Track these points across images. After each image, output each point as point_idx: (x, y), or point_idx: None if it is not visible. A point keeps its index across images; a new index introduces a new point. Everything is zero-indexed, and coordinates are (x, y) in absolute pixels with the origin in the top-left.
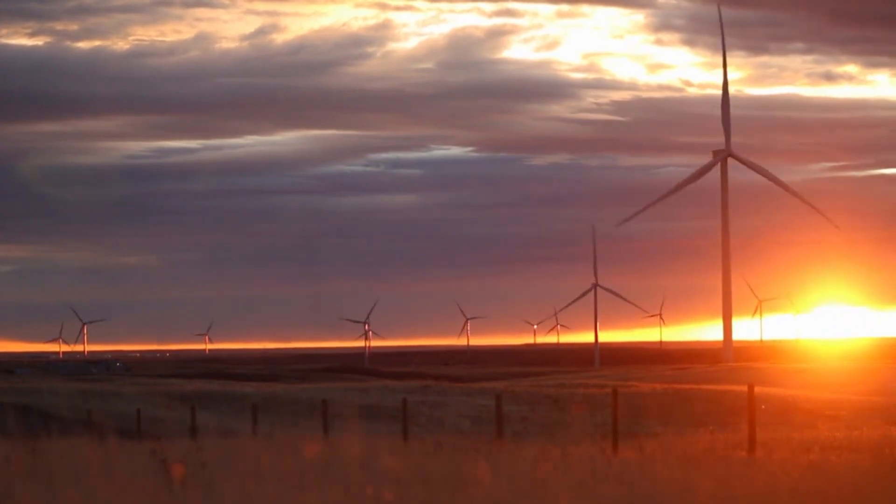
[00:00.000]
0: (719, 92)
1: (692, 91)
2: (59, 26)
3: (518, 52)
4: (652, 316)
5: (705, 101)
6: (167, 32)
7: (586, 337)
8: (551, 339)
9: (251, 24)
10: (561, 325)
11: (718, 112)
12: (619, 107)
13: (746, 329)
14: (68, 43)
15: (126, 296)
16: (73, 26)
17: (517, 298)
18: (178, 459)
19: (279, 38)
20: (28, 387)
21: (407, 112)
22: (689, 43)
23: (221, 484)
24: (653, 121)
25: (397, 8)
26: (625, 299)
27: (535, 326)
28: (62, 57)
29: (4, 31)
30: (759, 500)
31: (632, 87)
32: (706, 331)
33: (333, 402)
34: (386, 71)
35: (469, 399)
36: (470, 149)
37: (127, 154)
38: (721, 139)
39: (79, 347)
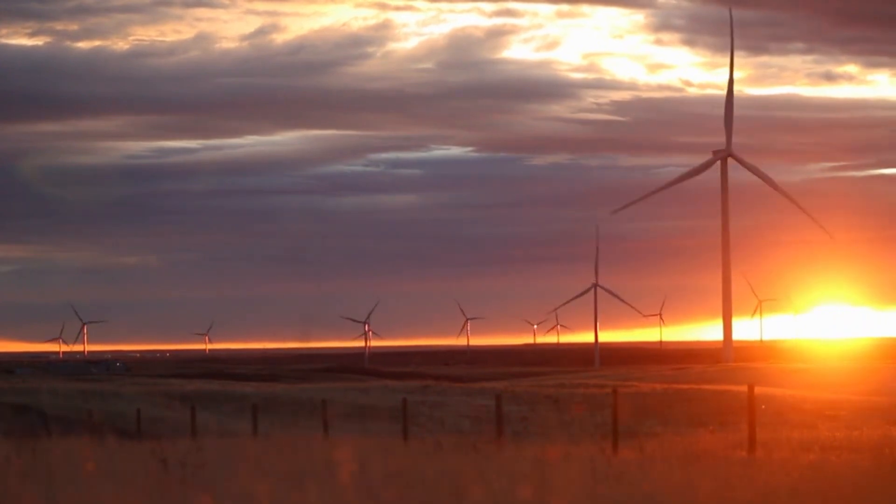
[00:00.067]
0: (719, 92)
1: (692, 91)
2: (59, 26)
3: (518, 52)
4: (652, 316)
5: (705, 101)
6: (167, 32)
7: (586, 337)
8: (551, 339)
9: (251, 24)
10: (561, 326)
11: (718, 112)
12: (619, 107)
13: (746, 329)
14: (68, 43)
15: (126, 296)
16: (73, 26)
17: (517, 298)
18: (178, 459)
19: (279, 38)
20: (28, 387)
21: (407, 112)
22: (689, 43)
23: (221, 484)
24: (653, 121)
25: (397, 8)
26: (623, 300)
27: (535, 326)
28: (62, 57)
29: (4, 31)
30: (759, 500)
31: (632, 87)
32: (706, 331)
33: (333, 402)
34: (386, 71)
35: (469, 399)
36: (470, 149)
37: (127, 154)
38: (721, 139)
39: (79, 347)
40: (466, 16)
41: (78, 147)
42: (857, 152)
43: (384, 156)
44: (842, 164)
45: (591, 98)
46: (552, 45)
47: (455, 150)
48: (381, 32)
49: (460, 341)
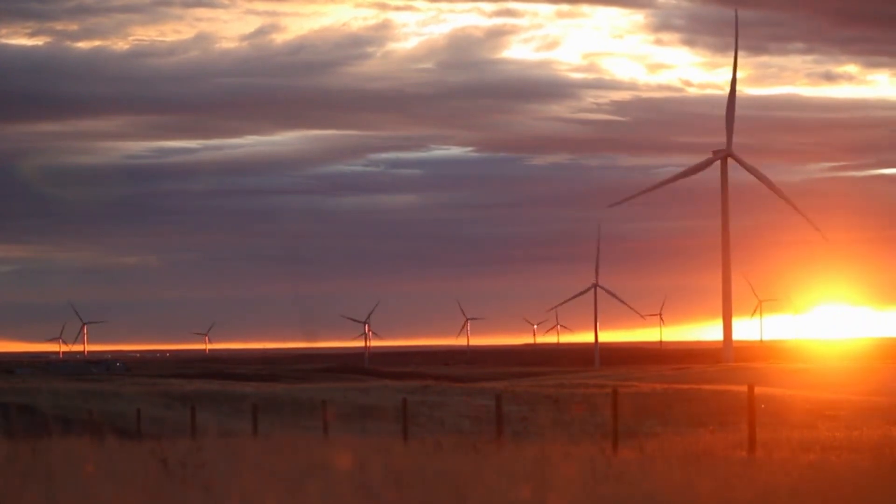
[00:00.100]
0: (719, 92)
1: (692, 91)
2: (59, 26)
3: (518, 52)
4: (652, 316)
5: (705, 101)
6: (167, 32)
7: (586, 337)
8: (551, 339)
9: (251, 24)
10: (561, 326)
11: (718, 112)
12: (618, 107)
13: (746, 329)
14: (68, 43)
15: (126, 296)
16: (73, 26)
17: (517, 298)
18: (178, 459)
19: (279, 38)
20: (28, 387)
21: (407, 112)
22: (689, 43)
23: (221, 484)
24: (653, 121)
25: (397, 8)
26: (622, 301)
27: (535, 326)
28: (62, 57)
29: (4, 31)
30: (759, 500)
31: (632, 87)
32: (706, 331)
33: (333, 402)
34: (386, 71)
35: (469, 399)
36: (470, 149)
37: (127, 154)
38: (721, 139)
39: (79, 347)
40: (466, 16)
41: (78, 147)
42: (857, 152)
43: (384, 156)
44: (842, 164)
45: (591, 98)
46: (552, 45)
47: (455, 150)
48: (381, 32)
49: (460, 341)
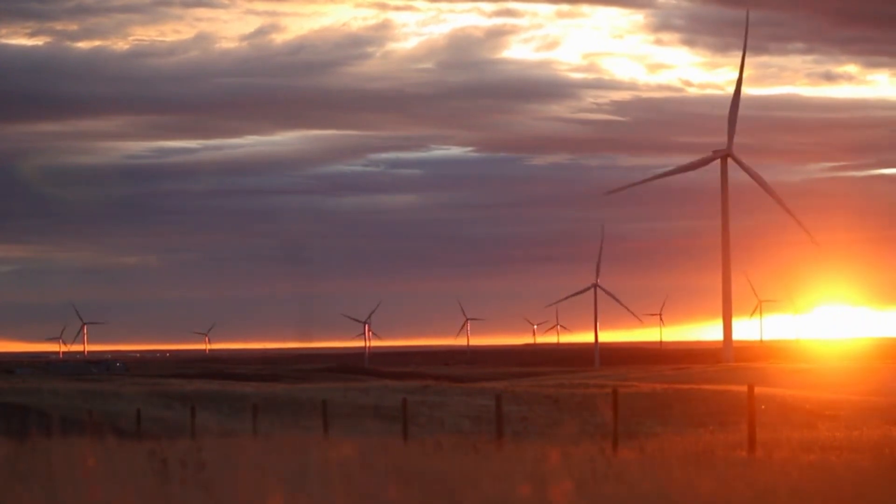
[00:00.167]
0: (719, 92)
1: (692, 91)
2: (59, 26)
3: (518, 52)
4: (652, 315)
5: (705, 101)
6: (167, 32)
7: (586, 337)
8: (551, 339)
9: (251, 24)
10: (561, 326)
11: (718, 112)
12: (618, 107)
13: (746, 329)
14: (68, 43)
15: (126, 296)
16: (73, 26)
17: (517, 298)
18: (178, 459)
19: (279, 38)
20: (28, 387)
21: (407, 112)
22: (689, 43)
23: (221, 484)
24: (653, 121)
25: (397, 8)
26: (621, 303)
27: (536, 326)
28: (62, 57)
29: (4, 31)
30: (759, 500)
31: (632, 87)
32: (706, 331)
33: (333, 402)
34: (386, 71)
35: (469, 399)
36: (470, 149)
37: (127, 154)
38: (721, 139)
39: (79, 347)
40: (466, 16)
41: (78, 147)
42: (857, 152)
43: (384, 156)
44: (842, 164)
45: (590, 98)
46: (552, 45)
47: (455, 150)
48: (380, 32)
49: (460, 341)
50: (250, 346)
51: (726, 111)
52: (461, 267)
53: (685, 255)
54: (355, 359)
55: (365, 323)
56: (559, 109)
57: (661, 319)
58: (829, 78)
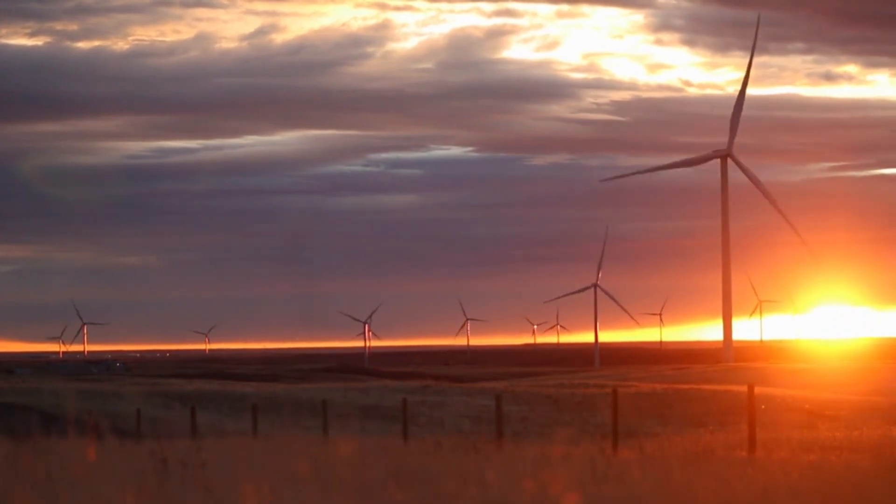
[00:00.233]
0: (719, 92)
1: (692, 91)
2: (59, 26)
3: (518, 52)
4: (652, 315)
5: (705, 101)
6: (167, 32)
7: (586, 337)
8: (551, 339)
9: (251, 24)
10: (561, 326)
11: (718, 112)
12: (618, 107)
13: (746, 329)
14: (68, 43)
15: (126, 296)
16: (73, 26)
17: (517, 298)
18: (178, 459)
19: (279, 38)
20: (28, 387)
21: (407, 112)
22: (689, 43)
23: (221, 484)
24: (652, 121)
25: (397, 8)
26: (619, 305)
27: (536, 326)
28: (62, 57)
29: (4, 31)
30: (759, 500)
31: (632, 87)
32: (706, 331)
33: (333, 402)
34: (386, 71)
35: (469, 399)
36: (470, 149)
37: (127, 154)
38: (721, 139)
39: (79, 347)
40: (466, 16)
41: (78, 147)
42: (857, 152)
43: (384, 156)
44: (842, 164)
45: (590, 98)
46: (552, 45)
47: (455, 150)
48: (380, 32)
49: (460, 341)
50: (250, 346)
51: (726, 111)
52: (461, 267)
53: (685, 255)
54: (355, 359)
55: (365, 323)
56: (559, 109)
57: (660, 319)
58: (829, 78)
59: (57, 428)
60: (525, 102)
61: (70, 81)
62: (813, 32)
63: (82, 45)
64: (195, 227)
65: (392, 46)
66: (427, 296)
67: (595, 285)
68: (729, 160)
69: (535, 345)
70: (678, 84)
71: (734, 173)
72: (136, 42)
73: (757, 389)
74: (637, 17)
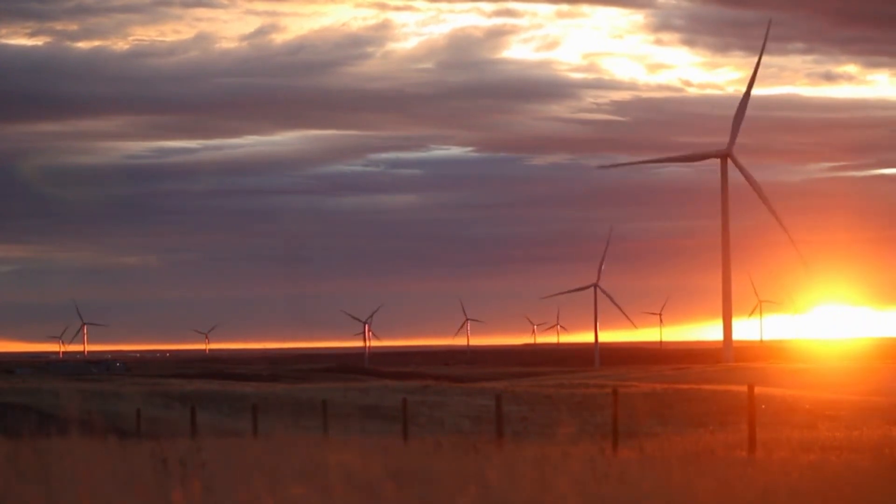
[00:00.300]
0: (719, 92)
1: (692, 91)
2: (59, 26)
3: (518, 52)
4: (652, 315)
5: (705, 101)
6: (167, 32)
7: (586, 337)
8: (551, 339)
9: (251, 24)
10: (560, 326)
11: (718, 112)
12: (618, 107)
13: (746, 329)
14: (68, 43)
15: (126, 296)
16: (73, 26)
17: (517, 298)
18: (178, 459)
19: (279, 38)
20: (28, 387)
21: (407, 112)
22: (689, 43)
23: (221, 484)
24: (652, 121)
25: (397, 8)
26: (618, 306)
27: (536, 326)
28: (62, 57)
29: (4, 31)
30: (759, 500)
31: (631, 87)
32: (706, 331)
33: (333, 402)
34: (386, 71)
35: (469, 399)
36: (470, 149)
37: (127, 154)
38: (721, 139)
39: (79, 347)
40: (466, 16)
41: (78, 147)
42: (857, 152)
43: (384, 156)
44: (842, 164)
45: (590, 98)
46: (552, 45)
47: (455, 150)
48: (380, 32)
49: (459, 341)
50: (250, 346)
51: (726, 111)
52: (461, 267)
53: (685, 255)
54: (355, 359)
55: (365, 323)
56: (559, 109)
57: (660, 320)
58: (829, 78)
59: (57, 428)
60: (525, 102)
61: (70, 81)
62: (813, 32)
63: (82, 45)
64: (195, 227)
65: (392, 46)
66: (427, 296)
67: (595, 285)
68: (728, 160)
69: (535, 345)
70: (678, 84)
71: (734, 173)
72: (136, 42)
73: (757, 389)
74: (637, 17)
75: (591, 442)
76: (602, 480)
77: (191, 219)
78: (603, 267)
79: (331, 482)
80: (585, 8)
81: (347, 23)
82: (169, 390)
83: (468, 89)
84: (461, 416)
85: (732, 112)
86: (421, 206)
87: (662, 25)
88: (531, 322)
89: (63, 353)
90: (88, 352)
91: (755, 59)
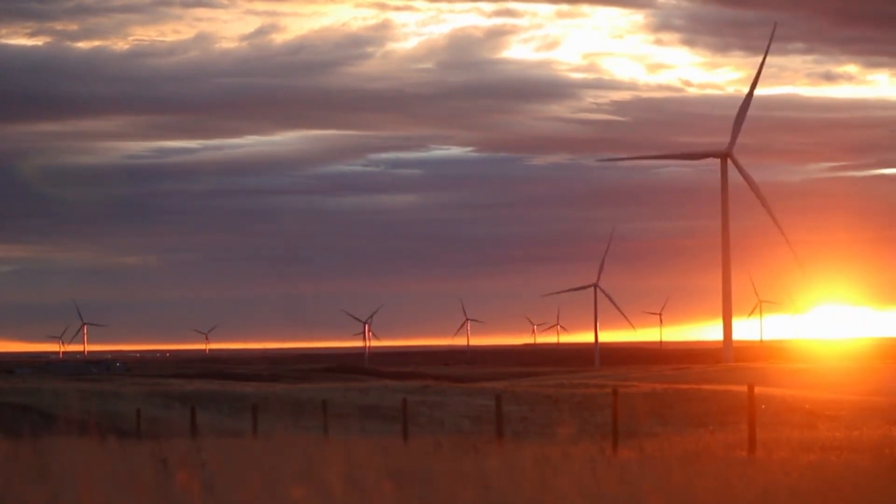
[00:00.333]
0: (719, 92)
1: (692, 91)
2: (59, 26)
3: (518, 52)
4: (652, 315)
5: (705, 101)
6: (167, 32)
7: (586, 337)
8: (551, 339)
9: (251, 24)
10: (560, 326)
11: (718, 112)
12: (618, 107)
13: (746, 329)
14: (68, 43)
15: (126, 296)
16: (73, 26)
17: (517, 298)
18: (178, 459)
19: (279, 38)
20: (28, 387)
21: (407, 112)
22: (689, 43)
23: (221, 484)
24: (652, 121)
25: (397, 8)
26: (617, 307)
27: (536, 326)
28: (62, 57)
29: (4, 31)
30: (759, 500)
31: (631, 87)
32: (706, 331)
33: (333, 402)
34: (386, 71)
35: (469, 399)
36: (470, 149)
37: (127, 154)
38: (721, 139)
39: (79, 347)
40: (466, 16)
41: (78, 147)
42: (857, 152)
43: (384, 156)
44: (842, 164)
45: (590, 98)
46: (552, 45)
47: (455, 150)
48: (380, 32)
49: (459, 341)
50: (250, 346)
51: (726, 111)
52: (461, 267)
53: (685, 255)
54: (355, 359)
55: (365, 323)
56: (559, 109)
57: (660, 320)
58: (829, 78)
59: (57, 428)
60: (525, 102)
61: (70, 81)
62: (813, 32)
63: (82, 45)
64: (195, 227)
65: (392, 46)
66: (427, 296)
67: (595, 285)
68: (728, 160)
69: (535, 345)
70: (678, 84)
71: (734, 173)
72: (136, 42)
73: (757, 389)
74: (637, 17)
75: (591, 442)
76: (602, 480)
77: (191, 219)
78: (604, 268)
79: (330, 482)
80: (585, 8)
81: (347, 23)
82: (169, 390)
83: (468, 89)
84: (461, 416)
85: (732, 112)
86: (421, 206)
87: (662, 25)
88: (531, 322)
89: (63, 353)
90: (88, 352)
91: (755, 60)
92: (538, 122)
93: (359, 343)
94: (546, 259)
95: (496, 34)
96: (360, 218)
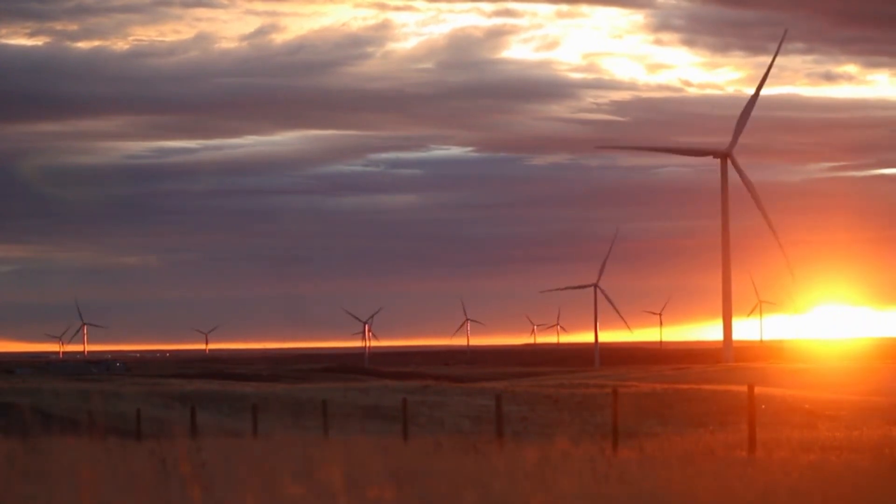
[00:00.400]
0: (719, 92)
1: (692, 91)
2: (59, 26)
3: (518, 52)
4: (652, 315)
5: (705, 101)
6: (167, 32)
7: (586, 337)
8: (551, 339)
9: (251, 24)
10: (560, 326)
11: (718, 112)
12: (618, 107)
13: (746, 329)
14: (68, 43)
15: (126, 296)
16: (73, 26)
17: (517, 298)
18: (177, 459)
19: (279, 38)
20: (28, 387)
21: (407, 112)
22: (689, 43)
23: (221, 484)
24: (652, 121)
25: (397, 8)
26: (616, 309)
27: (536, 326)
28: (62, 57)
29: (4, 31)
30: (759, 500)
31: (631, 87)
32: (706, 331)
33: (333, 402)
34: (386, 71)
35: (469, 399)
36: (470, 149)
37: (127, 154)
38: (721, 139)
39: (79, 347)
40: (466, 16)
41: (78, 147)
42: (857, 152)
43: (384, 156)
44: (842, 164)
45: (590, 98)
46: (552, 45)
47: (455, 150)
48: (380, 32)
49: (458, 341)
50: (250, 346)
51: (726, 111)
52: (461, 267)
53: (685, 255)
54: (355, 359)
55: (365, 323)
56: (559, 109)
57: (660, 320)
58: (829, 78)
59: (57, 428)
60: (525, 102)
61: (70, 81)
62: (813, 32)
63: (82, 45)
64: (195, 227)
65: (392, 46)
66: (427, 296)
67: (595, 285)
68: (728, 160)
69: (534, 345)
70: (678, 84)
71: (734, 173)
72: (136, 42)
73: (757, 389)
74: (637, 17)
75: (591, 442)
76: (602, 480)
77: (191, 219)
78: (605, 268)
79: (331, 482)
80: (585, 8)
81: (347, 23)
82: (169, 390)
83: (468, 89)
84: (461, 416)
85: (732, 112)
86: (421, 206)
87: (662, 25)
88: (531, 322)
89: (63, 353)
90: (88, 352)
91: (755, 60)
92: (538, 122)
93: (359, 343)
94: (546, 259)
95: (496, 34)
96: (360, 218)
